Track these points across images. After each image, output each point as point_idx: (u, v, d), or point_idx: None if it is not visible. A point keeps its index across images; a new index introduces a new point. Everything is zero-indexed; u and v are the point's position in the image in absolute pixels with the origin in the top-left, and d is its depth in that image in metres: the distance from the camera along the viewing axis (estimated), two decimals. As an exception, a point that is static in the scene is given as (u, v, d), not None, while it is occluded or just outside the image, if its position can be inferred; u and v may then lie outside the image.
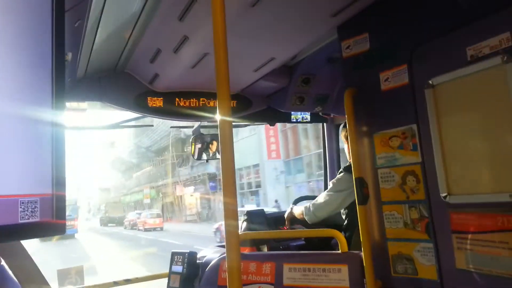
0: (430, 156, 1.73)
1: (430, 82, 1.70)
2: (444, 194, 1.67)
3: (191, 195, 37.41)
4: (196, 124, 3.47)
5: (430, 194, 1.74)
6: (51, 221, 0.84)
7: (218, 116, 1.30)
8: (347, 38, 2.09)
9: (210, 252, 2.93)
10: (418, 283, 1.80)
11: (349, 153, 2.71)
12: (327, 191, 2.62)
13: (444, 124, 1.68)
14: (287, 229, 3.19)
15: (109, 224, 46.16)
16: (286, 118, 3.58)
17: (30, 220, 0.80)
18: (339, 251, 2.15)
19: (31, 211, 0.81)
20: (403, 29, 1.87)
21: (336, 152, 3.82)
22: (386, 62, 1.92)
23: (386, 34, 1.94)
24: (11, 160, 0.81)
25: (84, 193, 78.53)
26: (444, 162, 1.67)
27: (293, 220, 3.00)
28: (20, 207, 0.80)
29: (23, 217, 0.79)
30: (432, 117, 1.70)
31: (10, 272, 3.11)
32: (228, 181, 1.29)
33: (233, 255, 1.26)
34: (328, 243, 2.94)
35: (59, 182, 0.86)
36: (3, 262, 3.13)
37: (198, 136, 3.45)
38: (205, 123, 3.56)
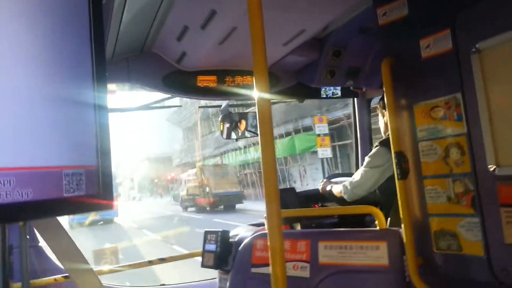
0: (476, 127, 1.62)
1: (477, 46, 1.59)
2: (492, 166, 1.57)
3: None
4: (224, 103, 3.43)
5: (477, 166, 1.64)
6: (98, 195, 0.78)
7: (255, 93, 1.25)
8: (382, 5, 1.98)
9: (242, 231, 2.92)
10: (462, 259, 1.72)
11: (385, 126, 2.62)
12: (364, 167, 2.54)
13: (492, 92, 1.57)
14: (319, 206, 3.14)
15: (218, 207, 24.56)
16: (316, 94, 3.49)
17: (76, 193, 0.75)
18: (377, 228, 2.09)
19: (76, 184, 0.75)
20: None
21: (368, 128, 3.72)
22: (426, 27, 1.80)
23: None
24: (51, 130, 0.76)
25: (128, 167, 62.41)
26: (492, 132, 1.57)
27: (328, 198, 2.95)
28: (65, 180, 0.73)
29: (68, 191, 0.74)
30: (479, 84, 1.59)
31: (47, 252, 3.21)
32: (267, 160, 1.25)
33: (275, 234, 1.21)
34: (362, 221, 2.89)
35: (104, 154, 0.79)
36: (41, 243, 3.23)
37: (226, 115, 3.41)
38: (233, 102, 3.51)
